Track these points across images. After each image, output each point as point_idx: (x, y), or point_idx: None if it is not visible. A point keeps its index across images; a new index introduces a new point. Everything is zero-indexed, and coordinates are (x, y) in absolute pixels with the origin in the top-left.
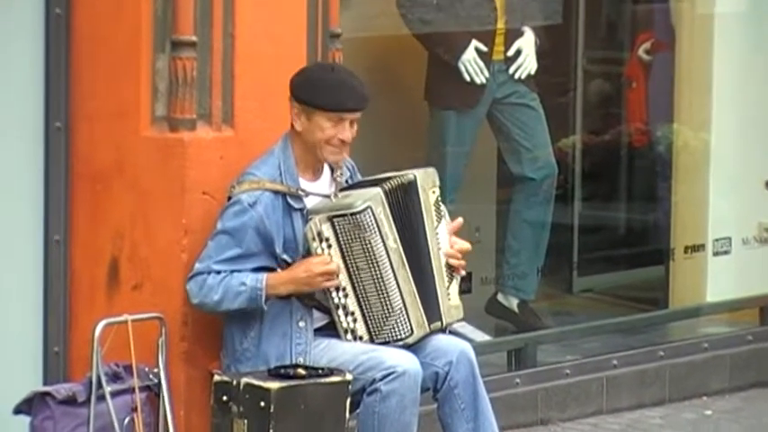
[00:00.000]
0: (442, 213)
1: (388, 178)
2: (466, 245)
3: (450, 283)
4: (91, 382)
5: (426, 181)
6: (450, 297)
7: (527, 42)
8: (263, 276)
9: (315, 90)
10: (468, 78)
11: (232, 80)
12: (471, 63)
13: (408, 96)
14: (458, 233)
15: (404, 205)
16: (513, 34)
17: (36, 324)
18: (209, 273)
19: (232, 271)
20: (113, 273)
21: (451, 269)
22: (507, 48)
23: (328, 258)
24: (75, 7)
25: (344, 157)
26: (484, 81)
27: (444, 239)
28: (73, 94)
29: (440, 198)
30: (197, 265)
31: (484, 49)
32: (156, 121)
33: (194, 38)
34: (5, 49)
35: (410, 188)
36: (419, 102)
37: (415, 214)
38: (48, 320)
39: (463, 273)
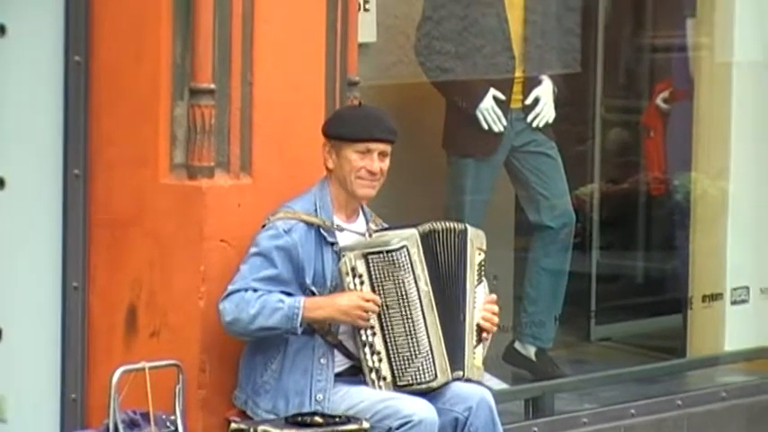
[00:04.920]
0: (483, 279)
1: (431, 223)
2: (494, 307)
3: (478, 344)
4: (108, 430)
5: (477, 238)
6: (475, 357)
7: (545, 91)
8: (302, 297)
9: (342, 123)
10: (486, 126)
11: (250, 128)
12: (489, 111)
13: (426, 144)
14: None
15: (449, 251)
16: (531, 83)
17: (54, 370)
18: (246, 290)
19: (269, 291)
20: (131, 320)
21: (481, 331)
22: (525, 96)
23: (375, 296)
24: (95, 55)
25: (374, 192)
26: (502, 129)
27: (480, 301)
28: (91, 142)
29: (484, 262)
30: (230, 287)
31: (502, 97)
32: (174, 168)
33: (213, 86)
34: (25, 97)
35: (460, 237)
36: (437, 150)
37: (460, 263)
38: (65, 367)
39: (489, 336)
